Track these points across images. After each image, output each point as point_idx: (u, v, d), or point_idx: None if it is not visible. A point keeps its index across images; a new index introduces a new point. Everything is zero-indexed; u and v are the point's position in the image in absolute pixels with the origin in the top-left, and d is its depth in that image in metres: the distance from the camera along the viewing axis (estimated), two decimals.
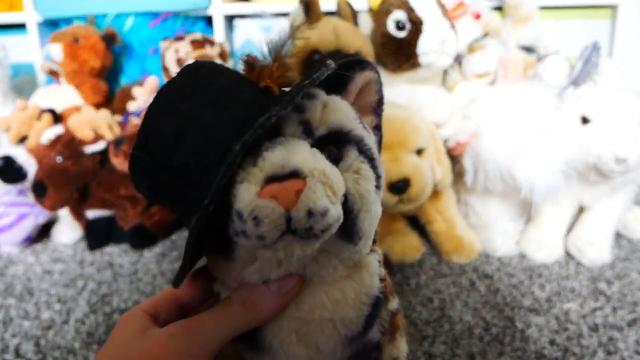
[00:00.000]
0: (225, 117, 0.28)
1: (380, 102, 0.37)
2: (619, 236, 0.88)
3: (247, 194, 0.26)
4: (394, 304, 0.37)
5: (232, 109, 0.29)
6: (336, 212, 0.27)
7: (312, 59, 0.78)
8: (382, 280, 0.34)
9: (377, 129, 0.37)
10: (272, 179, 0.26)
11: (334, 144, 0.31)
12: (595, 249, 0.80)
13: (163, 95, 0.31)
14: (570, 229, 0.85)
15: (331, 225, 0.27)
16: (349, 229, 0.30)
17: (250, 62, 0.31)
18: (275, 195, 0.26)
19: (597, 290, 0.73)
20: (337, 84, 0.34)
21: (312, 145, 0.29)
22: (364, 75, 0.35)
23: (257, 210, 0.26)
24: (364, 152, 0.31)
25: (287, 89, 0.30)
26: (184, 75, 0.31)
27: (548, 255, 0.81)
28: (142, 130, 0.31)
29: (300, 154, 0.28)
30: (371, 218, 0.31)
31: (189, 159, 0.28)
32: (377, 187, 0.32)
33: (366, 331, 0.33)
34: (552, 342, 0.61)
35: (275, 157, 0.27)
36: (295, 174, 0.26)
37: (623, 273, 0.77)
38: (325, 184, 0.27)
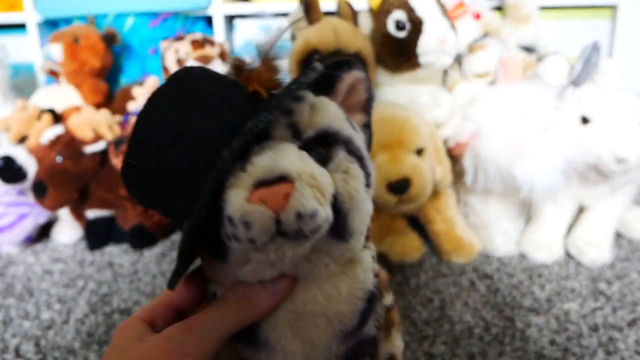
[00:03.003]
0: (214, 124, 0.29)
1: (369, 100, 0.37)
2: (619, 236, 0.88)
3: (237, 199, 0.27)
4: (388, 299, 0.37)
5: (221, 115, 0.29)
6: (325, 213, 0.28)
7: (312, 59, 0.78)
8: (376, 275, 0.34)
9: (367, 126, 0.37)
10: (260, 183, 0.27)
11: (323, 145, 0.31)
12: (595, 249, 0.80)
13: (151, 104, 0.31)
14: (570, 229, 0.85)
15: (320, 226, 0.28)
16: (339, 228, 0.30)
17: (238, 65, 0.31)
18: (264, 199, 0.26)
19: (597, 290, 0.73)
20: (326, 84, 0.35)
21: (301, 148, 0.30)
22: (351, 75, 0.35)
23: (246, 215, 0.26)
24: (353, 151, 0.32)
25: (276, 92, 0.30)
26: (171, 84, 0.31)
27: (548, 255, 0.81)
28: (132, 140, 0.31)
29: (288, 157, 0.28)
30: (362, 216, 0.32)
31: (179, 166, 0.29)
32: (367, 185, 0.32)
33: (361, 326, 0.34)
34: (552, 342, 0.61)
35: (264, 161, 0.28)
36: (283, 178, 0.27)
37: (623, 273, 0.77)
38: (313, 186, 0.27)
